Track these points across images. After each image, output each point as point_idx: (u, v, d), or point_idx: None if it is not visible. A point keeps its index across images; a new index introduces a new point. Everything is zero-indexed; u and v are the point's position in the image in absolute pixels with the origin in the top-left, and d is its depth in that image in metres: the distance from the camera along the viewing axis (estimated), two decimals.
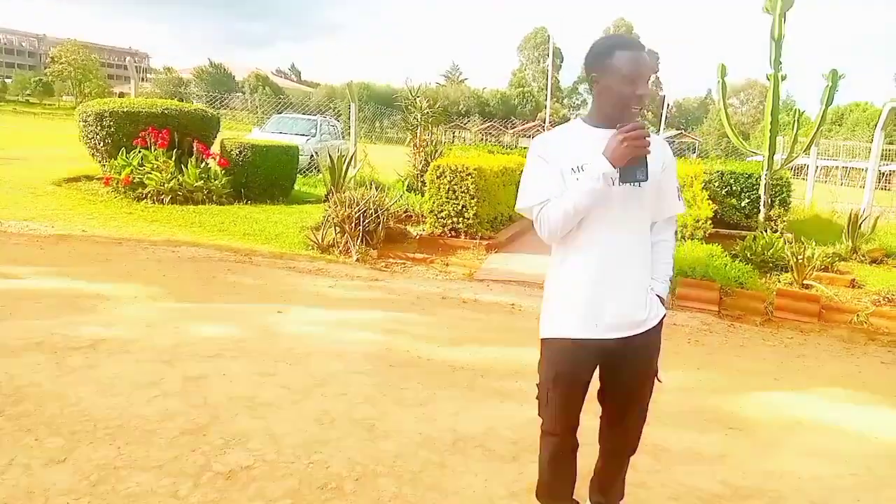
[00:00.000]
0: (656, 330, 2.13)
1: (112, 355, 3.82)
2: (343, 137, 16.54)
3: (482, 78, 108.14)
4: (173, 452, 2.82)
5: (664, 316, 2.16)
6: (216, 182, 9.63)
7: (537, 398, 2.21)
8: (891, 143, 37.34)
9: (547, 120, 16.14)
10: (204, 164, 9.88)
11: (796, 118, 8.74)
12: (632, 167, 1.93)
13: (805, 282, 6.83)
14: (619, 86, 1.95)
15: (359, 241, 7.27)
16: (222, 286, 5.65)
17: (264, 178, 10.22)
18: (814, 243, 7.76)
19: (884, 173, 27.21)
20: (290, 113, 18.83)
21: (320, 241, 7.46)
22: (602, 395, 2.25)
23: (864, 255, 8.40)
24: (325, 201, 8.58)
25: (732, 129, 8.76)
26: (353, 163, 10.75)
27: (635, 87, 1.95)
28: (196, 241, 7.33)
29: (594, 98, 2.05)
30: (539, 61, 57.54)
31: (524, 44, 65.79)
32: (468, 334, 4.85)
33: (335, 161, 10.22)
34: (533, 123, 25.80)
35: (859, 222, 8.89)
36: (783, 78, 8.07)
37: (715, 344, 5.21)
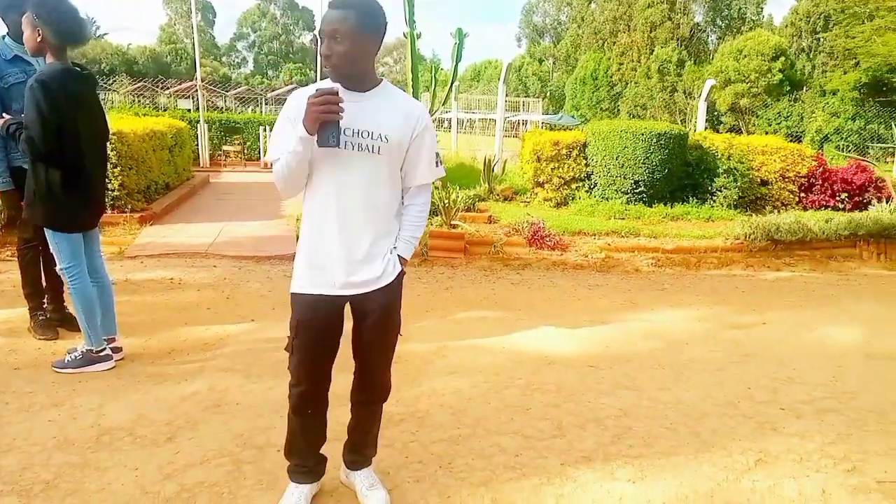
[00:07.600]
0: (394, 286, 2.27)
1: None
2: None
3: (127, 34, 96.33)
4: None
5: (402, 273, 2.28)
6: None
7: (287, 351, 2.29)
8: (518, 97, 43.69)
9: (198, 78, 15.18)
10: None
11: (433, 74, 9.60)
12: (324, 132, 2.01)
13: (453, 222, 7.65)
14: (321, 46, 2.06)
15: None
16: None
17: None
18: (458, 188, 8.71)
19: (514, 123, 31.80)
20: None
21: None
22: (353, 349, 2.38)
23: (498, 194, 9.72)
24: None
25: None
26: None
27: (322, 47, 2.06)
28: None
29: None
30: (189, 16, 53.47)
31: None
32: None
33: None
34: (191, 83, 24.02)
35: (493, 166, 10.24)
36: (418, 36, 8.74)
37: None
